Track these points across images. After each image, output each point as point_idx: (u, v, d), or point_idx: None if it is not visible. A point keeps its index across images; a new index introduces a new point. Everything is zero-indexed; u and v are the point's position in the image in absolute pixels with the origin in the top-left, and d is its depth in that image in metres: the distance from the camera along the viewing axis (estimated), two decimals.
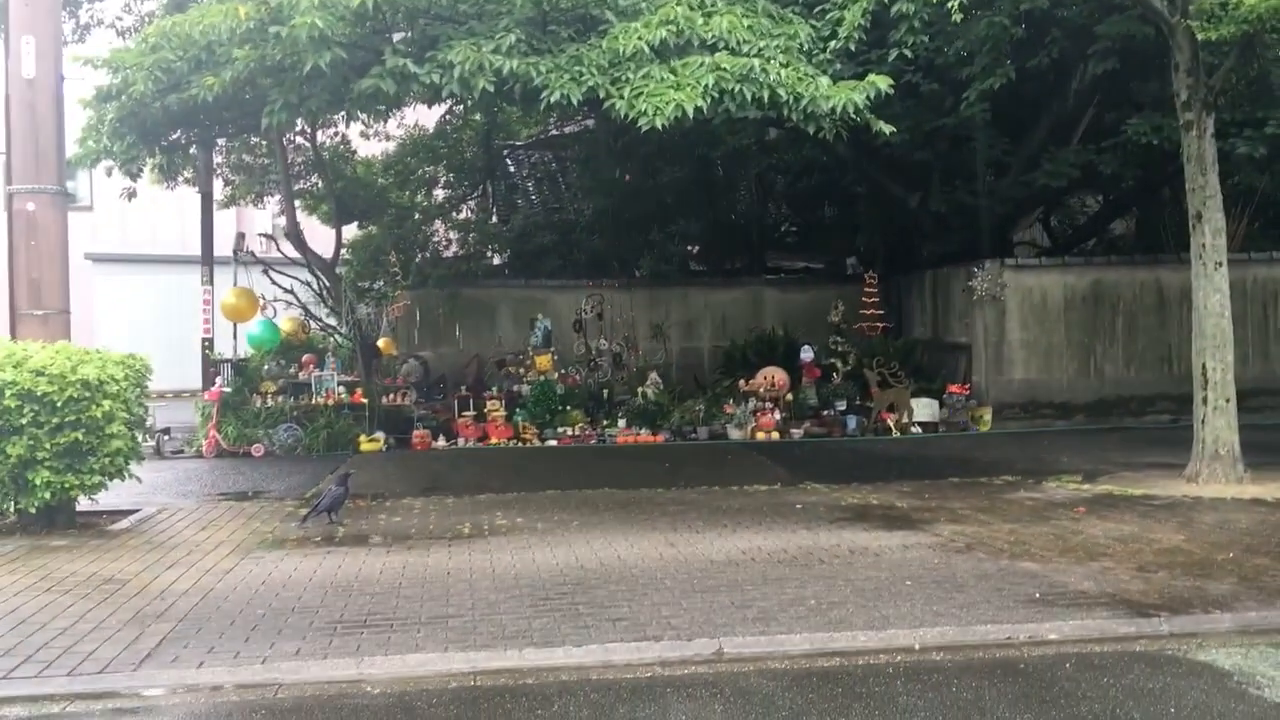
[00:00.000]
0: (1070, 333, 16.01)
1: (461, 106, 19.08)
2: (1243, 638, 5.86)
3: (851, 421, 15.48)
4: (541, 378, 16.16)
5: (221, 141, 17.19)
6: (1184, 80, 10.56)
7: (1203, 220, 10.56)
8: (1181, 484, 10.38)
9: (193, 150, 15.40)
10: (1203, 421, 10.54)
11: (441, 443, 14.94)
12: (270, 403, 14.83)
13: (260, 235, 18.27)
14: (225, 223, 21.15)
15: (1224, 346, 10.51)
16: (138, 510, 10.05)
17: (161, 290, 24.81)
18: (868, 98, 9.69)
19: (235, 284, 16.21)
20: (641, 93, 9.32)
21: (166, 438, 15.03)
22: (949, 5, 10.32)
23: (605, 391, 16.46)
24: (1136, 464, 11.87)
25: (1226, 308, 10.56)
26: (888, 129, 10.21)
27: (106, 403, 8.74)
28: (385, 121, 19.40)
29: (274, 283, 16.90)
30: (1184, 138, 10.71)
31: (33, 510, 8.86)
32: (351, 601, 6.71)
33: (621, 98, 9.39)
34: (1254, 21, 9.73)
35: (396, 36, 10.36)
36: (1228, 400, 10.47)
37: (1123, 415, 15.98)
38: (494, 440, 15.07)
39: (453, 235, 20.41)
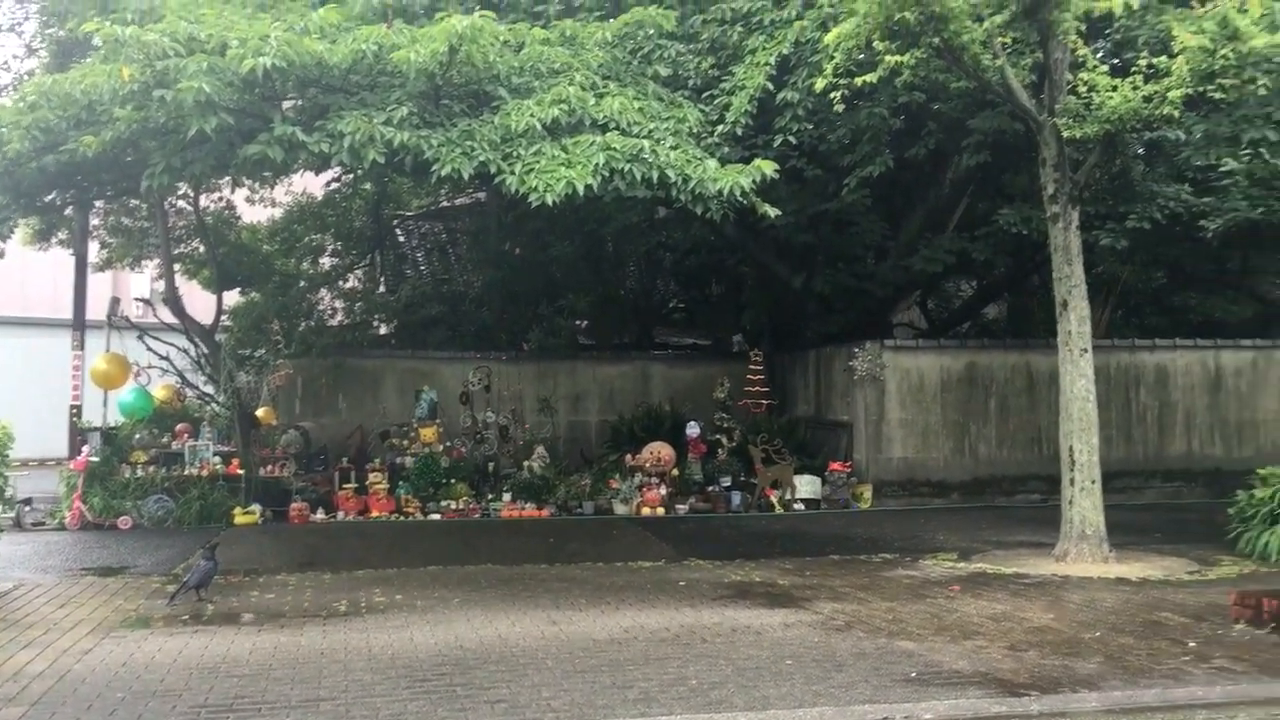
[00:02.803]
0: (946, 413, 16.46)
1: (351, 175, 18.98)
2: (1109, 717, 6.01)
3: (736, 497, 15.59)
4: (426, 450, 15.93)
5: (99, 203, 16.75)
6: (1051, 175, 11.08)
7: (1069, 308, 11.02)
8: (1051, 563, 10.67)
9: (68, 211, 14.98)
10: (1070, 502, 10.89)
11: (321, 516, 14.56)
12: (140, 473, 14.29)
13: (137, 300, 17.77)
14: (100, 286, 20.54)
15: (1089, 429, 10.91)
16: None
17: (29, 353, 23.87)
18: (754, 181, 9.95)
19: (108, 349, 15.69)
20: (533, 169, 9.43)
21: (27, 509, 14.31)
22: (831, 96, 10.68)
23: (491, 465, 16.29)
24: (1008, 542, 12.19)
25: (1092, 392, 10.98)
26: (773, 212, 10.49)
27: None
28: (272, 187, 19.23)
29: (149, 349, 16.41)
30: (1051, 229, 11.20)
31: None
32: (218, 684, 6.46)
33: (513, 173, 9.48)
34: (1115, 121, 10.30)
35: (286, 104, 10.30)
36: (1093, 481, 10.84)
37: (996, 494, 16.41)
38: (375, 514, 14.76)
39: (339, 304, 20.15)
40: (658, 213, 18.11)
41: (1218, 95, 10.02)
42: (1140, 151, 15.06)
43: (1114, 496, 13.53)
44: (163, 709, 5.98)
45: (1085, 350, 10.95)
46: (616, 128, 10.06)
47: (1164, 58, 10.25)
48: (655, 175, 9.69)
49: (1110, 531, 10.90)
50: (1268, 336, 18.08)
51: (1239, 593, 8.18)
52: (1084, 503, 10.79)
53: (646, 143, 9.80)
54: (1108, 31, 12.59)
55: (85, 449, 14.36)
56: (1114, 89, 10.24)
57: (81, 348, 15.66)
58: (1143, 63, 10.46)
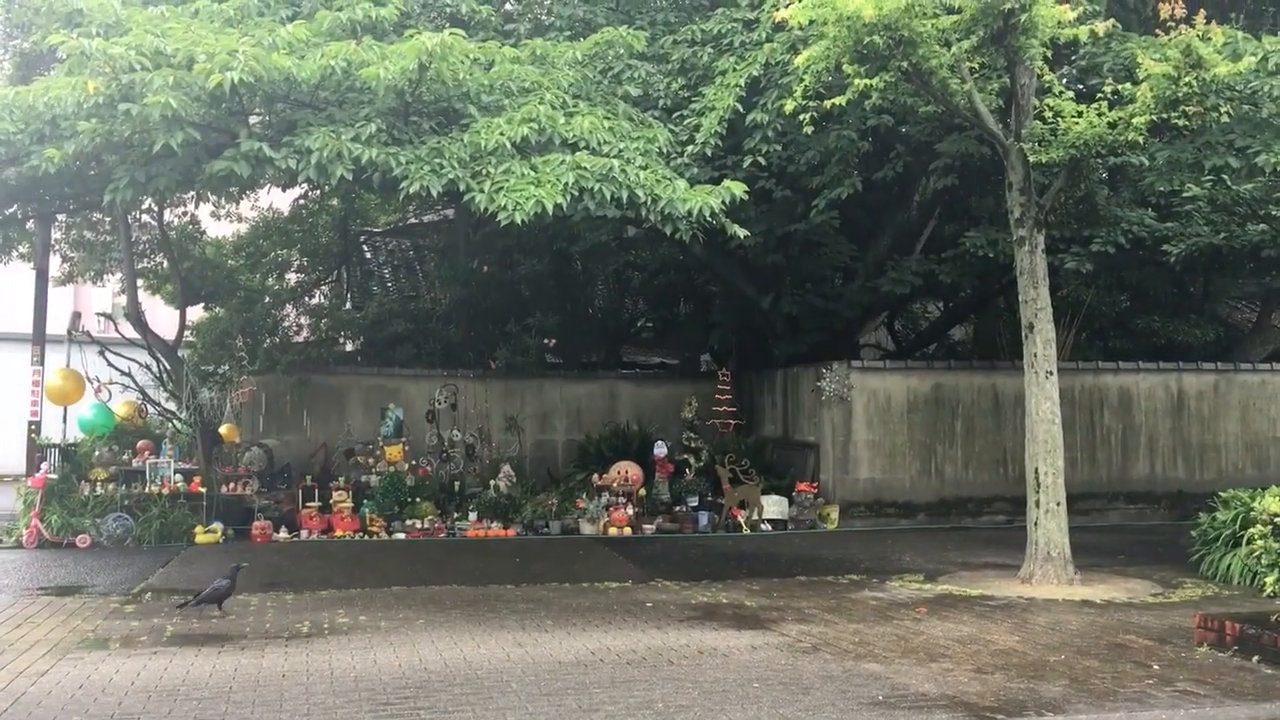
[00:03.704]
0: (913, 434, 16.52)
1: (318, 191, 18.87)
2: None
3: (703, 518, 15.56)
4: (391, 468, 15.80)
5: (62, 216, 16.55)
6: (1017, 199, 11.18)
7: (1035, 331, 11.10)
8: (1016, 585, 10.71)
9: (30, 225, 14.78)
10: (1035, 524, 10.94)
11: (284, 535, 14.39)
12: (100, 490, 14.07)
13: (98, 314, 17.55)
14: (62, 300, 20.28)
15: (1055, 452, 10.98)
16: None
17: None
18: (723, 202, 9.96)
19: (68, 364, 15.47)
20: (502, 187, 9.39)
21: None
22: (801, 118, 10.74)
23: (457, 484, 16.17)
24: (974, 564, 12.23)
25: (1057, 414, 11.05)
26: (742, 233, 10.51)
27: None
28: (238, 203, 19.06)
29: (110, 364, 16.19)
30: (1017, 252, 11.29)
31: None
32: (177, 707, 6.34)
33: (482, 191, 9.43)
34: (1081, 147, 10.41)
35: (253, 119, 10.21)
36: (1059, 503, 10.90)
37: (961, 515, 16.48)
38: (339, 533, 14.61)
39: (304, 320, 19.98)
40: (627, 232, 18.14)
41: (1181, 122, 10.16)
42: (1105, 176, 15.25)
43: (1078, 518, 13.64)
44: None
45: (1051, 372, 11.03)
46: (586, 147, 10.04)
47: (1128, 84, 10.39)
48: (625, 195, 9.67)
49: (1075, 553, 10.96)
50: (1229, 360, 18.32)
51: (1202, 615, 8.24)
52: (1049, 524, 10.84)
53: (616, 162, 9.79)
54: (1073, 58, 12.75)
55: (44, 466, 14.14)
56: (1079, 115, 10.37)
57: (41, 363, 15.41)
58: (1108, 89, 10.61)
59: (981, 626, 8.77)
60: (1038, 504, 10.93)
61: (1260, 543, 7.70)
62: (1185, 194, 13.68)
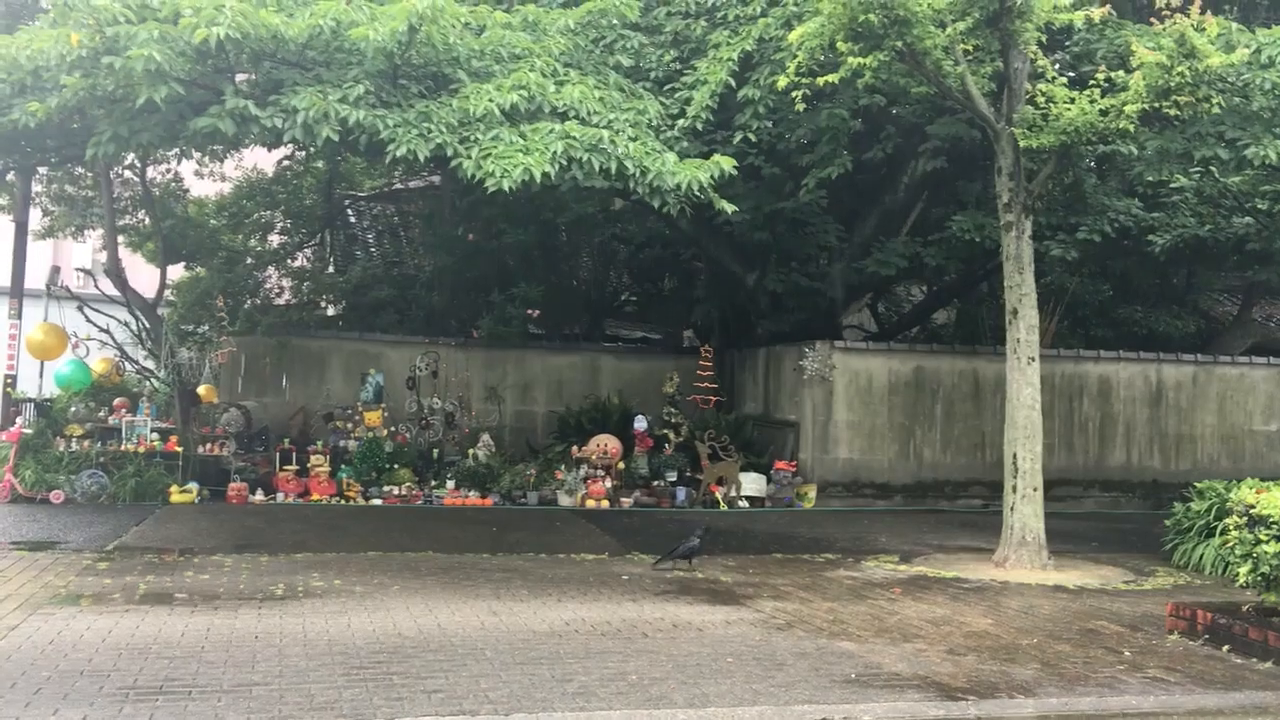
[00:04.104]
0: (893, 416, 16.56)
1: (304, 152, 18.70)
2: None
3: (681, 493, 15.58)
4: (370, 434, 15.74)
5: (43, 170, 16.35)
6: (1006, 184, 11.16)
7: (1018, 317, 11.11)
8: (991, 568, 10.77)
9: (10, 177, 14.60)
10: (1012, 509, 10.98)
11: (260, 497, 14.33)
12: (75, 447, 13.97)
13: (78, 270, 17.39)
14: (41, 254, 20.07)
15: (1034, 437, 11.01)
16: None
17: None
18: (712, 177, 9.91)
19: (46, 319, 15.32)
20: (490, 154, 9.31)
21: None
22: (793, 94, 10.68)
23: (435, 451, 16.15)
24: (950, 546, 12.29)
25: (1037, 401, 11.08)
26: (729, 208, 10.46)
27: None
28: (222, 162, 18.91)
29: (89, 320, 16.06)
30: (1004, 237, 11.28)
31: None
32: (148, 665, 6.31)
33: (469, 158, 9.35)
34: (1071, 133, 10.39)
35: (240, 77, 10.09)
36: (1035, 489, 10.94)
37: (938, 498, 16.55)
38: (316, 497, 14.56)
39: (286, 283, 19.85)
40: (614, 204, 18.05)
41: (1172, 112, 10.15)
42: (1093, 164, 15.27)
43: (1054, 505, 13.71)
44: (90, 689, 5.82)
45: (1033, 359, 11.05)
46: (576, 116, 9.97)
47: (1121, 72, 10.37)
48: (613, 166, 9.61)
49: (1050, 539, 11.02)
50: (1209, 352, 18.42)
51: (1174, 604, 8.29)
52: (1025, 510, 10.89)
53: (606, 133, 9.72)
54: (1067, 44, 12.72)
55: (19, 420, 14.02)
56: (1071, 101, 10.35)
57: (19, 317, 15.27)
58: (1100, 76, 10.59)
59: (955, 608, 8.81)
60: (1014, 489, 10.97)
61: (1234, 534, 7.73)
62: (1173, 185, 13.70)
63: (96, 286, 16.87)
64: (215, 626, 7.31)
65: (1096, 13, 10.42)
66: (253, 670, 6.29)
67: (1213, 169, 13.10)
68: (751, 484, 15.74)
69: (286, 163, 20.10)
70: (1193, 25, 9.74)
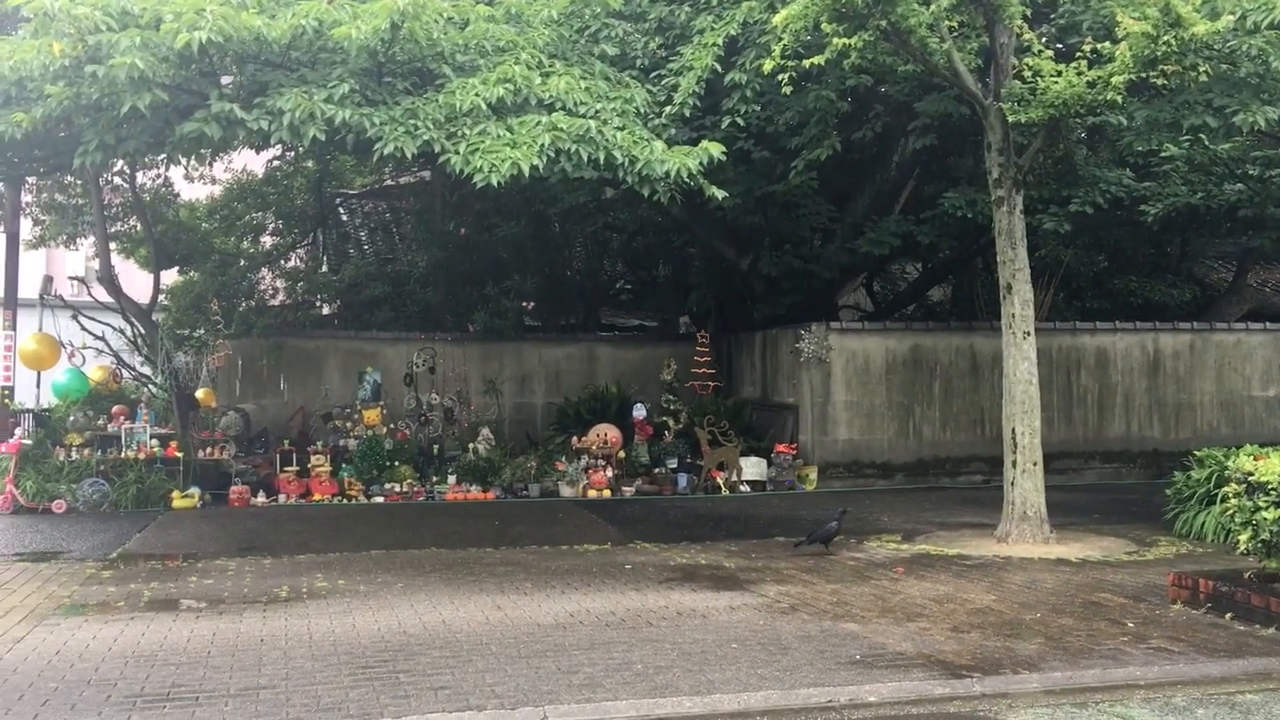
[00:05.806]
0: (891, 395, 16.57)
1: (292, 153, 18.66)
2: (1049, 698, 6.07)
3: (682, 479, 15.60)
4: (369, 432, 15.75)
5: (32, 180, 16.31)
6: (996, 159, 11.15)
7: (1012, 291, 11.11)
8: (993, 544, 10.79)
9: None
10: (1012, 484, 11.00)
11: (261, 499, 14.35)
12: (75, 455, 13.97)
13: (71, 278, 17.36)
14: (33, 264, 20.04)
15: (1032, 412, 11.02)
16: None
17: None
18: (701, 163, 9.88)
19: (40, 329, 15.31)
20: (478, 149, 9.28)
21: None
22: (779, 78, 10.65)
23: (435, 447, 16.15)
24: (951, 524, 12.30)
25: (1034, 375, 11.09)
26: (720, 194, 10.43)
27: None
28: (211, 165, 18.84)
29: (84, 329, 16.04)
30: (996, 213, 11.28)
31: None
32: (154, 672, 6.32)
33: (457, 153, 9.32)
34: (1059, 106, 10.36)
35: (224, 80, 10.04)
36: (1035, 463, 10.96)
37: (939, 475, 16.58)
38: (317, 497, 14.58)
39: (280, 284, 19.84)
40: (605, 194, 18.03)
41: (1159, 82, 10.12)
42: (1083, 136, 15.23)
43: (1055, 477, 13.75)
44: (97, 698, 5.84)
45: (1028, 333, 11.05)
46: (563, 108, 9.93)
47: (1107, 43, 10.33)
48: (602, 156, 9.58)
49: (1051, 512, 11.04)
50: (1205, 319, 18.42)
51: (1176, 574, 8.32)
52: (1025, 484, 10.91)
53: (593, 123, 9.69)
54: (1052, 16, 12.68)
55: (18, 431, 14.02)
56: (1058, 74, 10.31)
57: (13, 328, 15.24)
58: (1087, 48, 10.56)
59: (958, 586, 8.83)
60: (1014, 464, 10.99)
61: (1234, 501, 7.74)
62: (1163, 154, 13.65)
63: (90, 294, 16.82)
64: (220, 631, 7.33)
65: None
66: (259, 674, 6.31)
67: (1202, 137, 13.05)
68: (752, 468, 15.76)
69: (276, 163, 20.07)
70: None
